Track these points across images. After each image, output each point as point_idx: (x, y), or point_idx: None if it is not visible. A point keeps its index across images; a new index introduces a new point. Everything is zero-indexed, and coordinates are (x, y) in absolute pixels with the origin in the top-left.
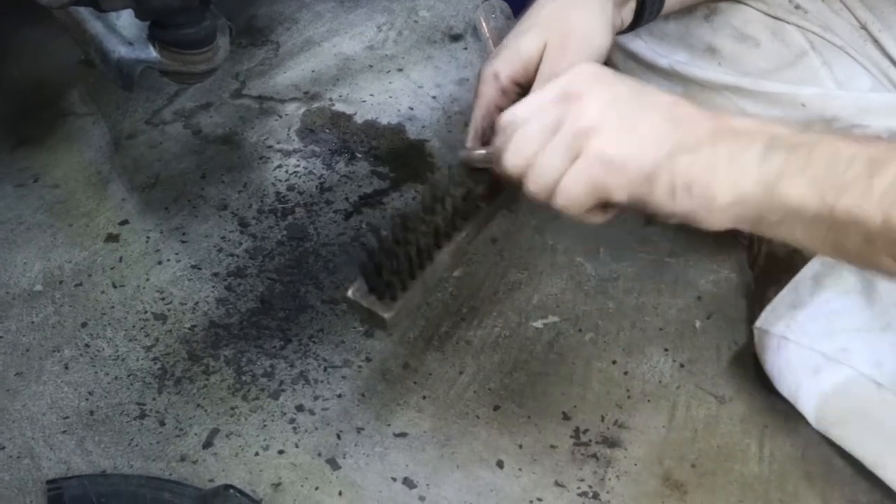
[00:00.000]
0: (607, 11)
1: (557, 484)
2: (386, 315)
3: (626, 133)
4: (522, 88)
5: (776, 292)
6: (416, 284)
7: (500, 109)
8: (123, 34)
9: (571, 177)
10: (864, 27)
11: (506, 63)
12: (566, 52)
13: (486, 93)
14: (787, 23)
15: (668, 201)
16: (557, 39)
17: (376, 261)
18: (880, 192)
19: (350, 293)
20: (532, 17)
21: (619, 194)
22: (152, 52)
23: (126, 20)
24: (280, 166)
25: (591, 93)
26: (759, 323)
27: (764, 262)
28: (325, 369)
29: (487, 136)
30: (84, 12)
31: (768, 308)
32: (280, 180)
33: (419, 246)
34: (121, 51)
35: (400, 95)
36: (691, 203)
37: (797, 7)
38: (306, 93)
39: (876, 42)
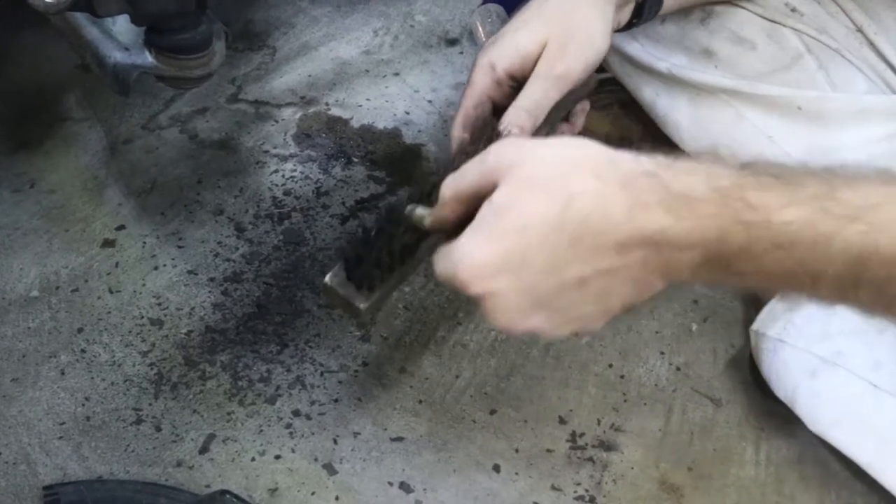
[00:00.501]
0: (609, 13)
1: (554, 488)
2: (362, 305)
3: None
4: (517, 81)
5: (771, 295)
6: (394, 277)
7: (492, 99)
8: (119, 39)
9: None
10: (859, 30)
11: (503, 54)
12: (566, 53)
13: (480, 82)
14: (783, 26)
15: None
16: (559, 38)
17: (359, 251)
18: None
19: (327, 279)
20: (535, 8)
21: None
22: (148, 58)
23: (122, 25)
24: (276, 171)
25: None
26: (755, 326)
27: None
28: (321, 374)
29: (475, 125)
30: (80, 17)
31: (765, 311)
32: (276, 185)
33: (403, 240)
34: (117, 56)
35: (396, 100)
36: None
37: (793, 10)
38: (303, 97)
39: (872, 45)
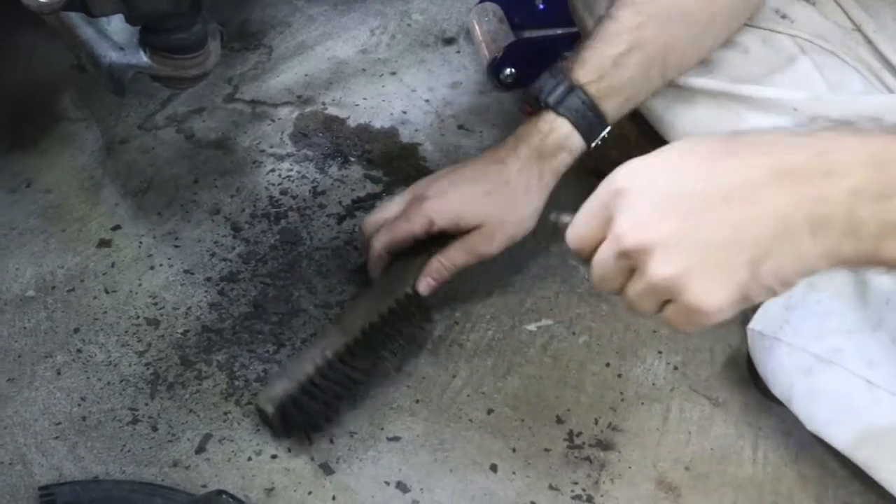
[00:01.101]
0: (545, 196)
1: (551, 487)
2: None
3: (701, 281)
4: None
5: None
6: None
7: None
8: (114, 39)
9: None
10: (857, 28)
11: (444, 217)
12: (494, 240)
13: (418, 228)
14: (776, 32)
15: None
16: (494, 224)
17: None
18: None
19: (262, 404)
20: (486, 178)
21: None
22: (143, 57)
23: (117, 25)
24: (273, 170)
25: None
26: (752, 325)
27: None
28: None
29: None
30: (75, 17)
31: (761, 310)
32: (273, 184)
33: (339, 384)
34: (112, 56)
35: (393, 99)
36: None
37: (783, 17)
38: (299, 97)
39: (870, 43)
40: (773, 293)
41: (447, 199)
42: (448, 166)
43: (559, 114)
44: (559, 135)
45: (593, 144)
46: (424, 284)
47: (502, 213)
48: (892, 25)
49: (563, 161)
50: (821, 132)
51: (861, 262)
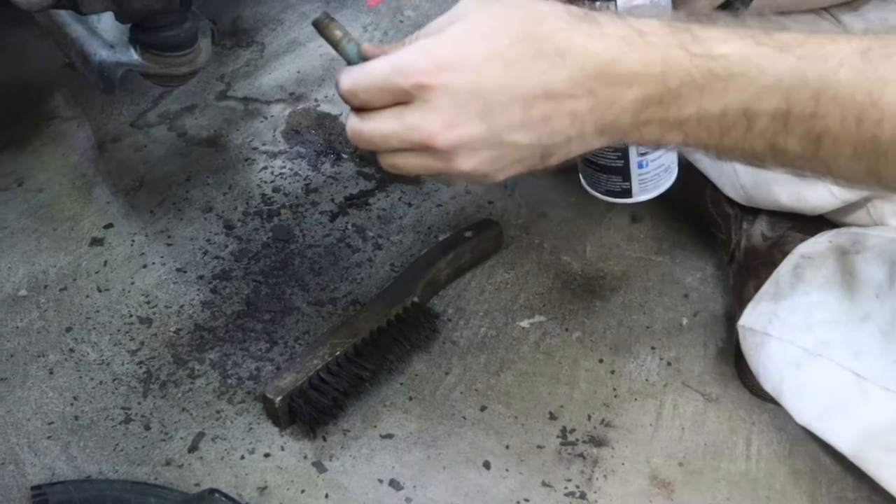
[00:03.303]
0: None
1: (544, 484)
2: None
3: (498, 170)
4: None
5: (755, 287)
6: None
7: None
8: (104, 37)
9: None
10: None
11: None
12: None
13: None
14: None
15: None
16: None
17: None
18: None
19: (270, 393)
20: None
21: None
22: (133, 55)
23: (107, 23)
24: (265, 168)
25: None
26: (741, 321)
27: (743, 257)
28: None
29: None
30: (65, 15)
31: (750, 305)
32: (265, 182)
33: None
34: (102, 54)
35: None
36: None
37: None
38: (291, 94)
39: None
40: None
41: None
42: None
43: None
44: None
45: None
46: None
47: None
48: None
49: None
50: (625, 20)
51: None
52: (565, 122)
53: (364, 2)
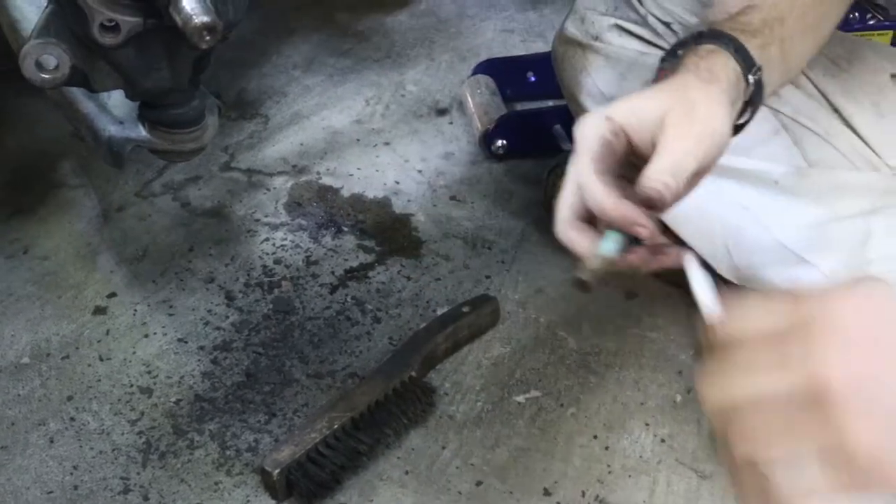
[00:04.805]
0: (727, 109)
1: None
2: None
3: None
4: (634, 155)
5: None
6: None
7: (612, 162)
8: (114, 113)
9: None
10: (836, 111)
11: (616, 110)
12: (694, 120)
13: (597, 135)
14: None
15: None
16: (681, 109)
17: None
18: None
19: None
20: (645, 90)
21: None
22: (142, 131)
23: (117, 99)
24: (267, 239)
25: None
26: None
27: None
28: None
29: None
30: (76, 92)
31: None
32: (267, 253)
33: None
34: (111, 129)
35: (386, 169)
36: None
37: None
38: (294, 166)
39: (849, 126)
40: None
41: (621, 102)
42: (440, 237)
43: (704, 43)
44: (713, 61)
45: (751, 78)
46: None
47: (685, 104)
48: (871, 110)
49: (727, 87)
50: None
51: None
52: None
53: (366, 75)
